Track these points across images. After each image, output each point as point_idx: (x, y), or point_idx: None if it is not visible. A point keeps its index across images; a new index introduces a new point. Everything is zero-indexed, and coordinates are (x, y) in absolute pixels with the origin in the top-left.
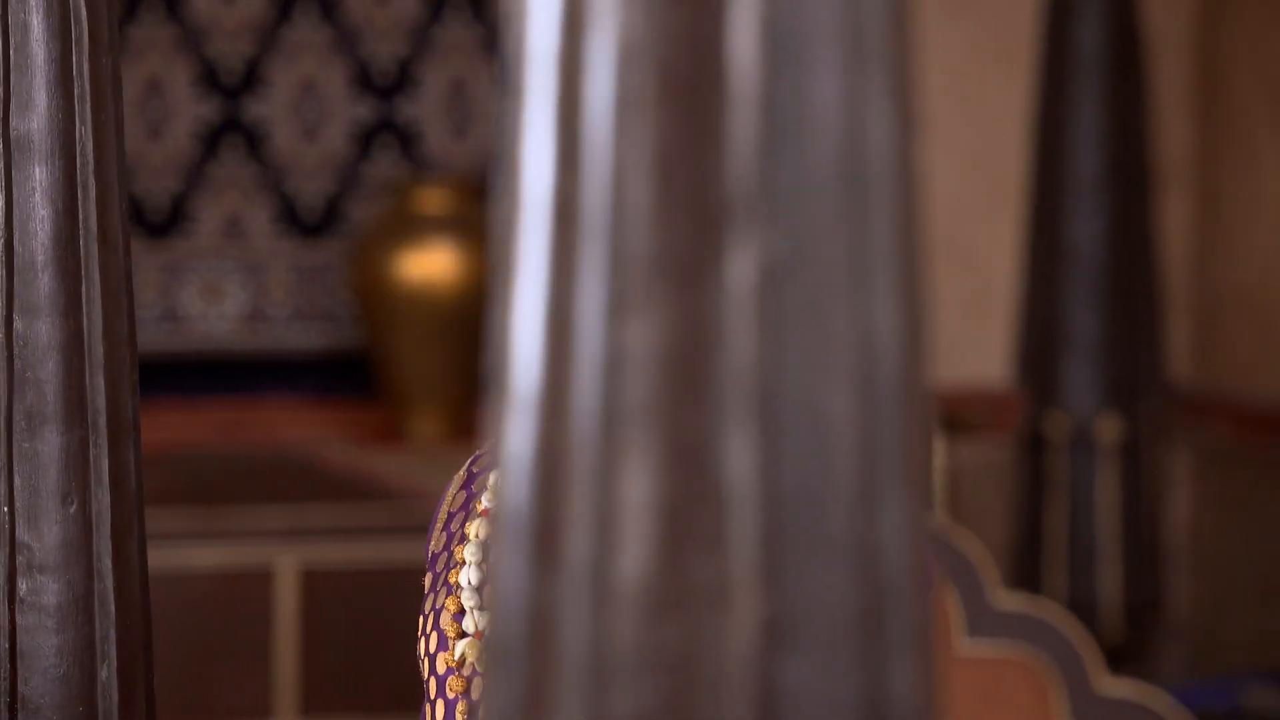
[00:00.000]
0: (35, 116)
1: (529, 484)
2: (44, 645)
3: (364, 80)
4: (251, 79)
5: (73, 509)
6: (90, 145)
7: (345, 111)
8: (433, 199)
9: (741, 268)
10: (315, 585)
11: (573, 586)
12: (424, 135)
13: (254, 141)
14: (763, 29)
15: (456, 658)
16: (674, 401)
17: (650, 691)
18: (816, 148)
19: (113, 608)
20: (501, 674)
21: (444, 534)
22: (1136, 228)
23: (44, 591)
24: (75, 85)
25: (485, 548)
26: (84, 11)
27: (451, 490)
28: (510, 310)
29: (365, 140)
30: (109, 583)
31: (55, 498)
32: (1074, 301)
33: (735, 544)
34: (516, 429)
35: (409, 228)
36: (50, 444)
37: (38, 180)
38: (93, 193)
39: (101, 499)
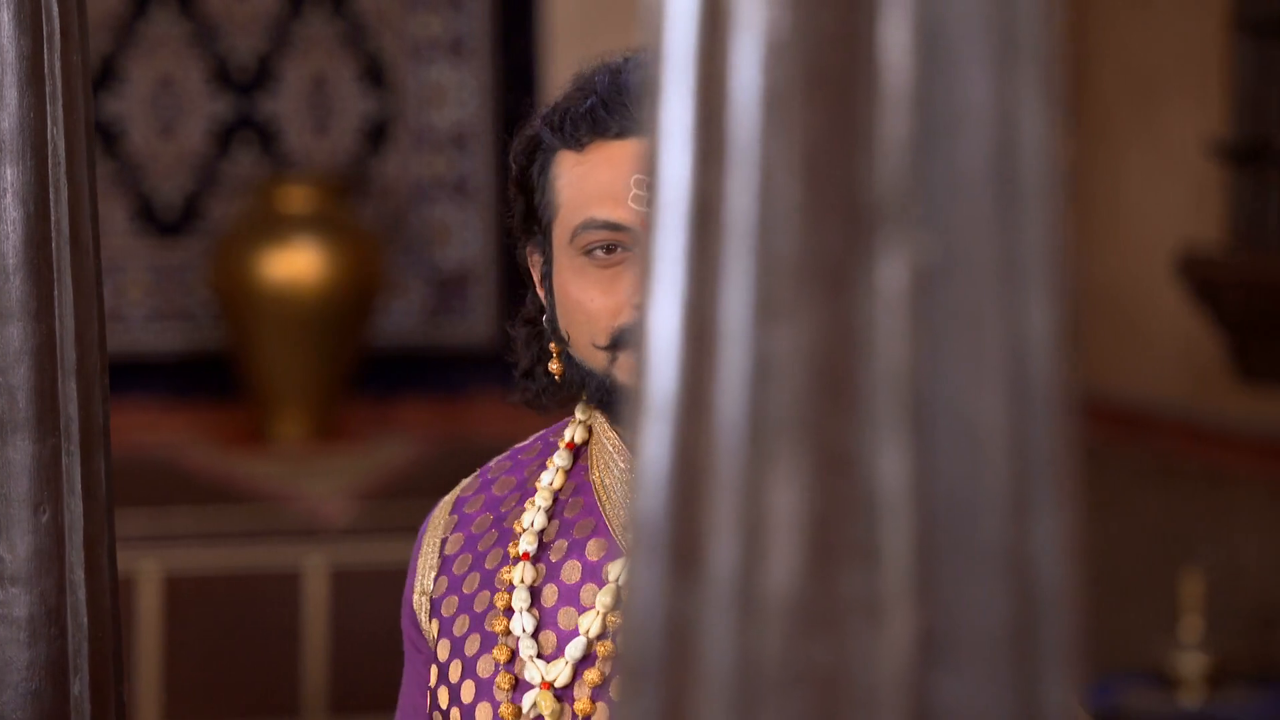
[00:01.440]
0: (6, 115)
1: (667, 493)
2: (15, 659)
3: (222, 76)
4: (108, 75)
5: (45, 519)
6: (62, 145)
7: (203, 108)
8: (295, 197)
9: (893, 270)
10: (178, 590)
11: (715, 600)
12: (284, 132)
13: (110, 139)
14: (915, 23)
15: (526, 711)
16: (823, 408)
17: (798, 711)
18: (969, 146)
19: (85, 620)
20: (637, 692)
21: (461, 570)
22: None
23: (15, 604)
24: (47, 83)
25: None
26: (55, 7)
27: (439, 516)
28: (649, 313)
29: (224, 137)
30: (81, 594)
31: (27, 507)
32: None
33: (887, 556)
34: (654, 436)
35: (271, 226)
36: (22, 452)
37: (9, 181)
38: (65, 194)
39: (74, 508)
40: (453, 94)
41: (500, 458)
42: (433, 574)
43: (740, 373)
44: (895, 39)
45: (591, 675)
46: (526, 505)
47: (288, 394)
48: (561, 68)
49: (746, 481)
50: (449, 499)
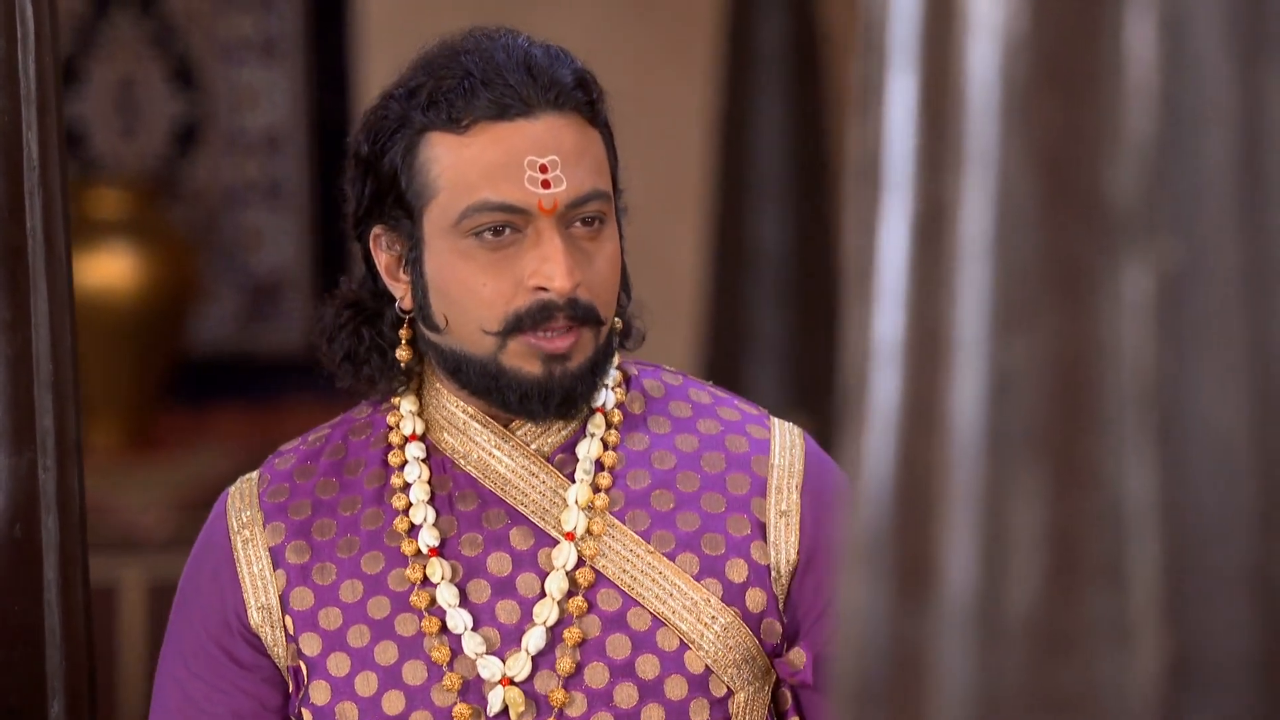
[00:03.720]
0: None
1: (893, 510)
2: None
3: None
4: None
5: (20, 535)
6: (36, 149)
7: None
8: (105, 201)
9: (1137, 277)
10: None
11: (950, 622)
12: (92, 135)
13: None
14: (1158, 15)
15: (491, 710)
16: (1065, 421)
17: None
18: (1215, 144)
19: (60, 639)
20: (861, 718)
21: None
22: (820, 227)
23: None
24: (21, 85)
25: None
26: (30, 8)
27: (248, 528)
28: (870, 321)
29: None
30: (57, 614)
31: (3, 521)
32: (759, 302)
33: (1134, 575)
34: (876, 450)
35: (80, 231)
36: None
37: None
38: (39, 201)
39: (50, 526)
40: (264, 95)
41: (295, 464)
42: (272, 587)
43: (977, 384)
44: (1139, 32)
45: (564, 664)
46: (392, 502)
47: (100, 403)
48: (375, 68)
49: (984, 498)
50: (242, 505)
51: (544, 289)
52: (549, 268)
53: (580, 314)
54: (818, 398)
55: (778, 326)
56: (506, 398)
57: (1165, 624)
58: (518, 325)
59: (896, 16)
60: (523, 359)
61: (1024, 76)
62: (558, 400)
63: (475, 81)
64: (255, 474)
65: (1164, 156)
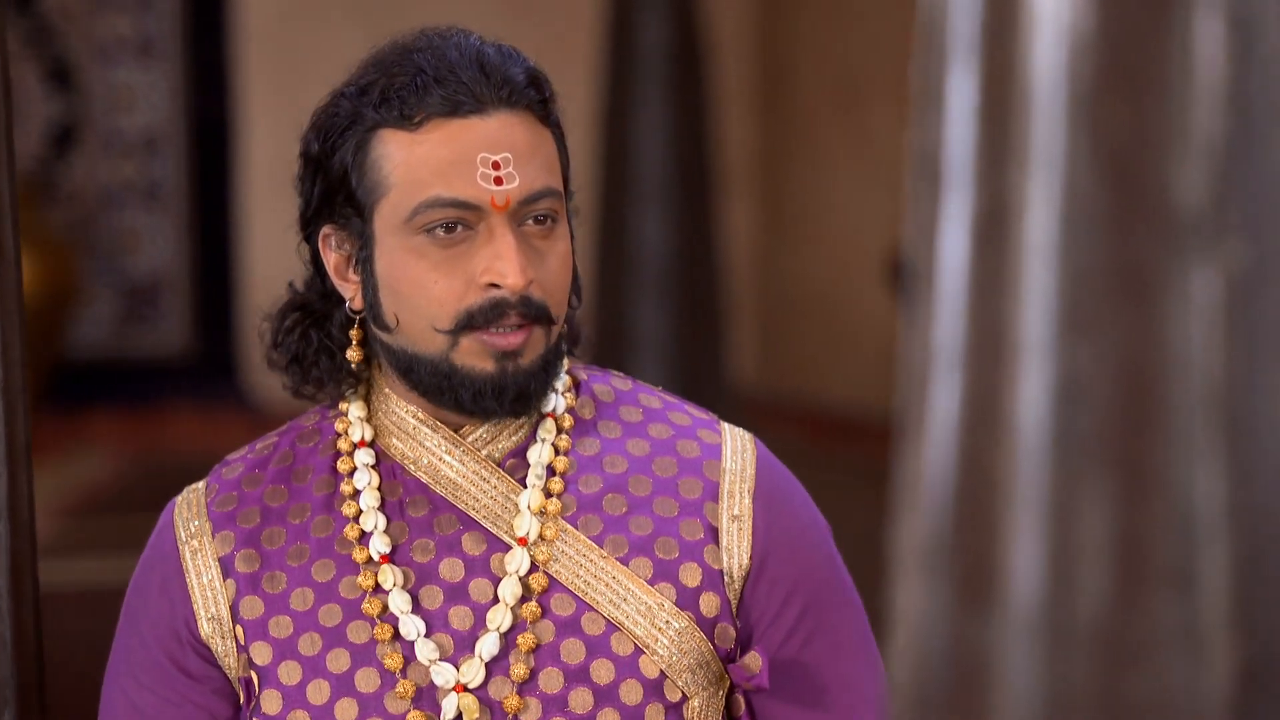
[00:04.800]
0: None
1: (954, 515)
2: None
3: None
4: None
5: None
6: None
7: None
8: None
9: (1206, 280)
10: None
11: (1016, 628)
12: None
13: None
14: (1228, 13)
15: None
16: (1133, 426)
17: None
18: None
19: (10, 650)
20: None
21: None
22: (701, 229)
23: None
24: None
25: None
26: None
27: (195, 538)
28: (930, 324)
29: None
30: (8, 622)
31: None
32: (640, 303)
33: (1205, 581)
34: (937, 456)
35: None
36: None
37: None
38: None
39: (1, 531)
40: (142, 97)
41: (242, 472)
42: (223, 597)
43: (1042, 389)
44: (1208, 30)
45: (519, 670)
46: (342, 509)
47: None
48: (253, 69)
49: (1051, 504)
50: (190, 515)
51: (496, 286)
52: (501, 265)
53: (533, 312)
54: (699, 396)
55: (659, 325)
56: (460, 396)
57: (1236, 630)
58: (469, 322)
59: (956, 12)
60: (475, 357)
61: (1090, 75)
62: (511, 396)
63: (428, 78)
64: (202, 484)
65: (1233, 157)
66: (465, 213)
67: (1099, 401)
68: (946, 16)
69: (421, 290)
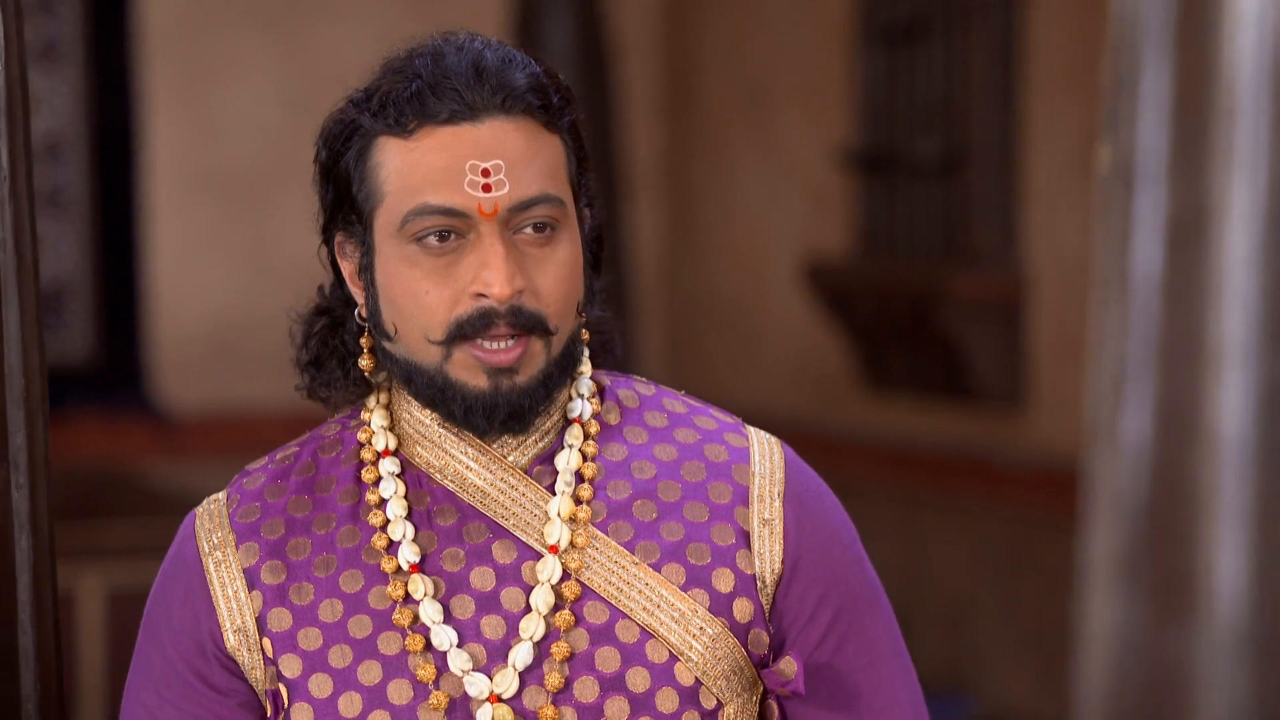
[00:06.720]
0: None
1: (1152, 526)
2: None
3: None
4: None
5: None
6: (5, 159)
7: None
8: None
9: None
10: None
11: (1220, 642)
12: None
13: None
14: None
15: None
16: None
17: None
18: None
19: (34, 661)
20: None
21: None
22: (607, 233)
23: None
24: None
25: None
26: None
27: (220, 551)
28: (1123, 329)
29: None
30: (30, 637)
31: None
32: None
33: None
34: (1131, 464)
35: None
36: None
37: None
38: (9, 212)
39: (24, 545)
40: (45, 101)
41: (265, 483)
42: (249, 609)
43: (1244, 396)
44: None
45: (553, 680)
46: (368, 519)
47: None
48: (156, 74)
49: (1255, 513)
50: (212, 526)
51: (484, 295)
52: (488, 274)
53: (524, 322)
54: None
55: None
56: (452, 410)
57: None
58: (460, 333)
59: (1150, 9)
60: (468, 371)
61: None
62: (503, 415)
63: (422, 85)
64: (222, 494)
65: None
66: (455, 220)
67: None
68: (1139, 14)
69: (415, 299)
